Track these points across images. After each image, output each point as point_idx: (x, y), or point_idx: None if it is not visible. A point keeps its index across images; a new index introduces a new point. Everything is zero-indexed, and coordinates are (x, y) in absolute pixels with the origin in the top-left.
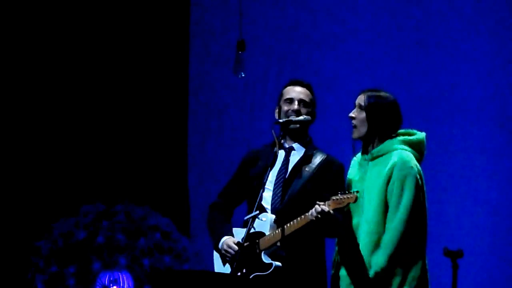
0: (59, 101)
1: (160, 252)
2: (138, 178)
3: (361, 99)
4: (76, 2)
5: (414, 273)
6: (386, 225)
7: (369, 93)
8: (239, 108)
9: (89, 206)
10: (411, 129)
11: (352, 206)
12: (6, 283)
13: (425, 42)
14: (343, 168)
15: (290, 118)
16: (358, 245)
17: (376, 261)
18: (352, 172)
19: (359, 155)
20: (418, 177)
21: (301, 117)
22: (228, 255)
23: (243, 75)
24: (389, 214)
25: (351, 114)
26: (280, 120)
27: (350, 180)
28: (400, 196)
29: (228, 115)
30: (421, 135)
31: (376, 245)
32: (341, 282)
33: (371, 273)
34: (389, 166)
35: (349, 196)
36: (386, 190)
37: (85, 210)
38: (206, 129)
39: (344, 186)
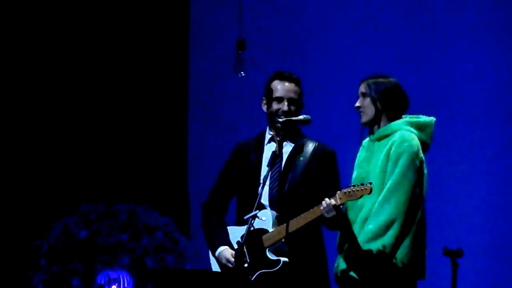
0: (59, 101)
1: (163, 251)
2: (137, 177)
3: (362, 88)
4: (76, 2)
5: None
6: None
7: (368, 80)
8: (239, 107)
9: (89, 205)
10: (420, 114)
11: None
12: (7, 283)
13: (426, 41)
14: (335, 155)
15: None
16: (353, 233)
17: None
18: (361, 154)
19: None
20: (415, 156)
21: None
22: (228, 267)
23: (243, 75)
24: (382, 192)
25: (357, 104)
26: (280, 120)
27: (358, 161)
28: (392, 174)
29: (228, 115)
30: (428, 118)
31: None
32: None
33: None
34: (389, 145)
35: (363, 188)
36: (386, 170)
37: (85, 209)
38: (206, 128)
39: (337, 172)
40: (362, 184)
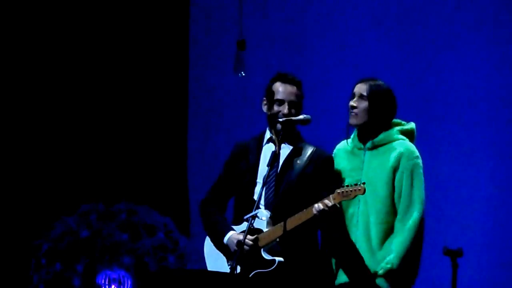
0: (59, 101)
1: (163, 251)
2: (137, 177)
3: (362, 89)
4: (76, 2)
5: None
6: (400, 222)
7: (371, 82)
8: (239, 108)
9: (89, 205)
10: (398, 119)
11: None
12: (7, 282)
13: (425, 41)
14: (332, 159)
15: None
16: (349, 236)
17: (391, 259)
18: (342, 162)
19: (348, 143)
20: (422, 166)
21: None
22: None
23: (243, 74)
24: (402, 206)
25: (352, 103)
26: (280, 120)
27: (342, 170)
28: (412, 187)
29: (228, 115)
30: (412, 124)
31: (385, 234)
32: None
33: (382, 268)
34: (395, 155)
35: (357, 188)
36: (393, 179)
37: (86, 209)
38: (206, 128)
39: (334, 176)
40: (356, 184)
